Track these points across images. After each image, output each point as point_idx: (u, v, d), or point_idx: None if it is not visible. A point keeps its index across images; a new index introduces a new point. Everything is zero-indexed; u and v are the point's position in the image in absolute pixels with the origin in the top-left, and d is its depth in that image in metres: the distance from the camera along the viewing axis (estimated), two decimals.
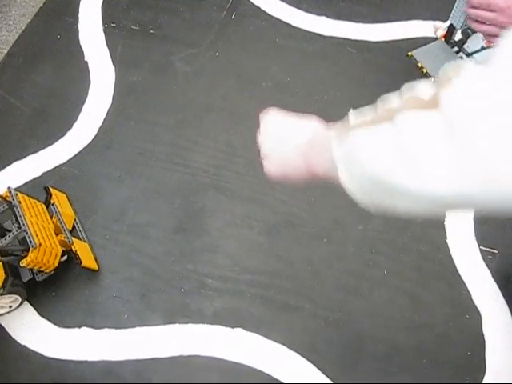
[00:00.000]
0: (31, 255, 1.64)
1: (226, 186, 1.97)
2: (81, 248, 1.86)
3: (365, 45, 2.31)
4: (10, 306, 1.80)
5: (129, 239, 1.93)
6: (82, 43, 2.38)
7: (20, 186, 2.02)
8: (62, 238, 1.82)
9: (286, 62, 2.15)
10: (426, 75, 2.13)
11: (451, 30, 2.10)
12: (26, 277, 1.79)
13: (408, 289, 1.83)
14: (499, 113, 0.42)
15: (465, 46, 2.08)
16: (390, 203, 0.59)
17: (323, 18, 2.37)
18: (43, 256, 1.69)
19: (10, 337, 1.79)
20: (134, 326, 1.80)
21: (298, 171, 0.82)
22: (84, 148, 2.12)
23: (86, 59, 2.33)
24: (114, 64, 2.32)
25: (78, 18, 2.45)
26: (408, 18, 2.24)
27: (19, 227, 1.70)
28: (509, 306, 1.78)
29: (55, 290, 1.87)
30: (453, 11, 2.03)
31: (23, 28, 2.38)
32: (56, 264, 1.76)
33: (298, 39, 2.33)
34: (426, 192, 0.47)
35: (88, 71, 2.30)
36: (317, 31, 2.34)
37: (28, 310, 1.83)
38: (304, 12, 2.41)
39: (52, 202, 1.91)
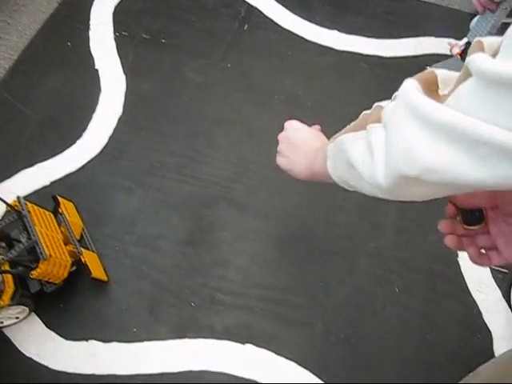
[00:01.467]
0: (41, 267, 1.62)
1: (237, 200, 1.96)
2: (90, 258, 1.84)
3: (377, 60, 2.31)
4: (17, 317, 1.78)
5: (138, 251, 1.91)
6: (92, 51, 2.37)
7: (28, 195, 2.00)
8: (71, 249, 1.80)
9: (299, 75, 2.14)
10: None
11: (468, 47, 2.10)
12: (35, 288, 1.76)
13: (419, 307, 1.83)
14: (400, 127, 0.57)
15: None
16: (358, 187, 0.80)
17: (335, 32, 2.37)
18: (53, 267, 1.67)
19: (17, 349, 1.77)
20: (143, 340, 1.79)
21: (301, 169, 1.19)
22: (94, 157, 2.10)
23: (96, 67, 2.31)
24: (124, 73, 2.31)
25: (88, 25, 2.44)
26: (421, 35, 2.24)
27: (29, 238, 1.68)
28: None
29: (63, 301, 1.84)
30: (471, 28, 2.03)
31: (33, 34, 2.37)
32: (65, 275, 1.75)
33: (311, 52, 2.33)
34: (374, 181, 0.64)
35: (98, 79, 2.29)
36: (329, 45, 2.34)
37: (35, 322, 1.81)
38: (316, 25, 2.41)
39: (60, 211, 1.89)
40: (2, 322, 1.78)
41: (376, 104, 0.85)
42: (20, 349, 1.76)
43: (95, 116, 2.20)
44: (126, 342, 1.78)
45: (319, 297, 1.83)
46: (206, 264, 1.90)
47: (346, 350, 1.75)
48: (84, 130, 2.17)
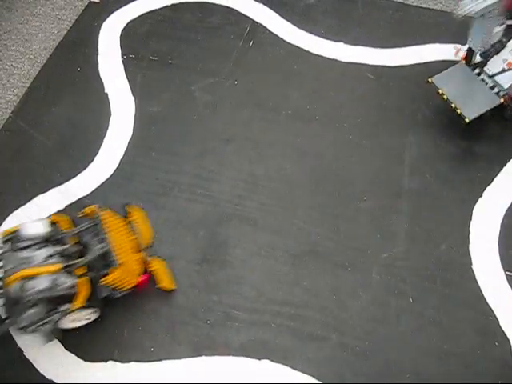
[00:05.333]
0: (114, 274, 1.76)
1: (250, 216, 1.98)
2: (159, 267, 1.91)
3: (383, 70, 2.32)
4: (88, 318, 1.86)
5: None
6: (101, 75, 2.42)
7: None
8: (142, 256, 1.88)
9: (305, 89, 2.17)
10: (447, 101, 2.12)
11: (470, 53, 2.10)
12: (104, 293, 1.83)
13: (434, 316, 1.83)
14: None
15: (485, 69, 2.08)
16: None
17: (341, 44, 2.38)
18: (124, 274, 1.78)
19: (38, 371, 1.81)
20: (161, 359, 1.82)
21: None
22: (106, 180, 2.15)
23: (106, 91, 2.36)
24: (133, 95, 2.35)
25: (97, 49, 2.49)
26: (426, 42, 2.25)
27: (103, 244, 1.82)
28: None
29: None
30: (470, 35, 2.04)
31: (44, 61, 2.43)
32: (136, 282, 1.84)
33: (317, 66, 2.35)
34: None
35: (108, 103, 2.33)
36: (335, 57, 2.36)
37: (55, 345, 1.85)
38: (321, 38, 2.43)
39: (131, 219, 1.96)
40: (81, 322, 1.86)
41: None
42: (41, 371, 1.81)
43: (106, 139, 2.24)
44: (143, 361, 1.81)
45: (333, 310, 1.84)
46: (220, 282, 1.92)
47: (362, 362, 1.76)
48: (96, 153, 2.21)
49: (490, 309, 1.86)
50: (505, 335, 1.81)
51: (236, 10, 2.63)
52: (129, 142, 2.24)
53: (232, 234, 1.98)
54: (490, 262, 1.93)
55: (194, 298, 1.90)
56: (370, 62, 2.34)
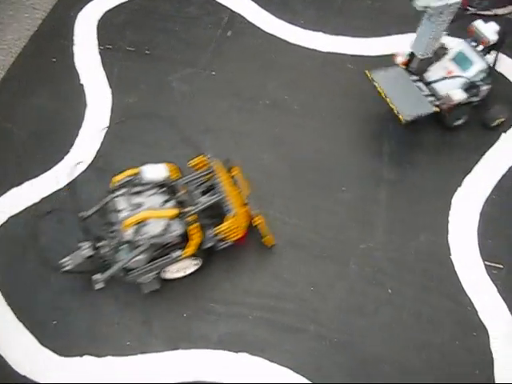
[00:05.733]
0: (228, 223, 1.77)
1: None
2: (262, 222, 1.89)
3: (363, 60, 2.30)
4: (196, 264, 1.89)
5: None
6: (77, 66, 2.38)
7: (19, 213, 2.01)
8: (247, 210, 1.89)
9: (284, 79, 2.14)
10: (384, 97, 2.08)
11: (412, 57, 2.08)
12: (210, 242, 1.85)
13: (413, 307, 1.81)
14: None
15: (425, 75, 2.05)
16: None
17: (320, 34, 2.36)
18: (235, 225, 1.80)
19: (11, 367, 1.77)
20: (137, 353, 1.79)
21: None
22: (82, 172, 2.11)
23: (81, 82, 2.31)
24: (110, 86, 2.31)
25: (73, 39, 2.45)
26: (406, 31, 2.23)
27: (218, 194, 1.87)
28: None
29: (56, 318, 1.85)
30: (414, 39, 2.00)
31: (18, 52, 2.38)
32: (241, 234, 1.85)
33: (295, 56, 2.32)
34: None
35: (84, 94, 2.29)
36: (314, 47, 2.34)
37: (29, 340, 1.81)
38: (301, 28, 2.40)
39: (233, 174, 1.98)
40: (185, 271, 1.88)
41: None
42: (14, 367, 1.77)
43: (82, 131, 2.21)
44: (120, 355, 1.78)
45: (311, 301, 1.82)
46: (196, 274, 1.90)
47: (340, 354, 1.74)
48: (71, 145, 2.18)
49: (469, 299, 1.85)
50: (483, 326, 1.79)
51: (214, 0, 2.58)
52: (105, 134, 2.21)
53: None
54: (469, 252, 1.91)
55: (170, 291, 1.88)
56: (350, 52, 2.31)
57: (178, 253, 1.78)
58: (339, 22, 2.23)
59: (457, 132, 2.13)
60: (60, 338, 1.82)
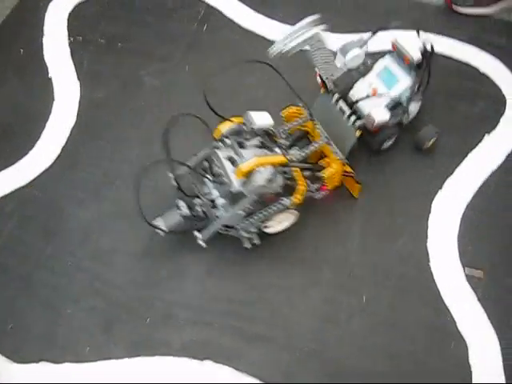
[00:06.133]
0: (333, 168, 1.77)
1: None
2: (352, 171, 1.86)
3: None
4: (283, 224, 1.81)
5: (92, 266, 1.83)
6: (46, 58, 2.29)
7: None
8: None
9: (260, 75, 2.06)
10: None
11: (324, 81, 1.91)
12: (309, 192, 1.81)
13: (388, 316, 1.73)
14: None
15: (349, 94, 1.91)
16: None
17: None
18: (337, 172, 1.80)
19: None
20: (97, 360, 1.70)
21: None
22: (47, 169, 2.02)
23: (50, 75, 2.23)
24: (79, 80, 2.23)
25: (42, 31, 2.36)
26: (390, 28, 2.16)
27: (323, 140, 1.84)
28: (497, 333, 1.67)
29: (12, 321, 1.76)
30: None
31: None
32: (338, 183, 1.87)
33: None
34: None
35: (52, 87, 2.21)
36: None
37: None
38: (279, 23, 2.32)
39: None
40: (284, 224, 1.80)
41: None
42: None
43: (48, 125, 2.12)
44: (78, 362, 1.69)
45: (281, 309, 1.74)
46: (161, 277, 1.81)
47: (311, 364, 1.66)
48: (36, 140, 2.09)
49: (447, 308, 1.76)
50: (461, 336, 1.71)
51: None
52: (72, 129, 2.11)
53: None
54: (448, 259, 1.83)
55: (133, 295, 1.78)
56: (332, 49, 2.24)
57: (286, 201, 1.70)
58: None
59: (439, 133, 2.04)
60: (15, 343, 1.72)
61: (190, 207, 1.77)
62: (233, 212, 1.68)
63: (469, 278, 1.78)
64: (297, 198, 1.71)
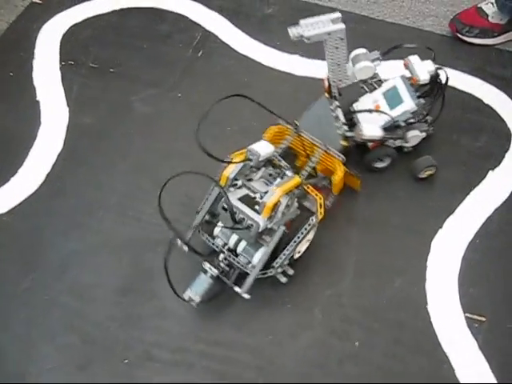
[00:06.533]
0: (339, 171, 1.77)
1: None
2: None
3: None
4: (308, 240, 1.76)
5: (70, 301, 1.73)
6: (35, 81, 2.23)
7: None
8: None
9: (254, 103, 1.97)
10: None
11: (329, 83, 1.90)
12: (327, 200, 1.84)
13: (382, 363, 1.62)
14: None
15: (354, 104, 1.87)
16: None
17: (296, 57, 2.23)
18: (343, 174, 1.80)
19: None
20: None
21: None
22: (28, 197, 1.95)
23: (37, 98, 2.16)
24: (68, 105, 2.16)
25: (33, 54, 2.31)
26: (390, 58, 2.08)
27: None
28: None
29: None
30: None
31: None
32: (340, 188, 1.86)
33: (269, 79, 2.18)
34: None
35: (39, 111, 2.14)
36: (289, 71, 2.20)
37: None
38: (276, 50, 2.27)
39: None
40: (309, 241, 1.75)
41: None
42: None
43: (32, 151, 2.04)
44: None
45: (268, 353, 1.64)
46: (142, 315, 1.72)
47: None
48: (19, 166, 2.01)
49: (446, 356, 1.66)
50: None
51: (187, 18, 2.44)
52: (58, 155, 2.04)
53: (160, 261, 1.76)
54: (447, 302, 1.73)
55: (112, 333, 1.68)
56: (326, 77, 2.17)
57: (314, 219, 1.64)
58: (318, 45, 2.07)
59: (440, 168, 1.95)
60: None
61: (214, 266, 1.66)
62: (265, 252, 1.59)
63: (469, 324, 1.68)
64: (320, 212, 1.68)
